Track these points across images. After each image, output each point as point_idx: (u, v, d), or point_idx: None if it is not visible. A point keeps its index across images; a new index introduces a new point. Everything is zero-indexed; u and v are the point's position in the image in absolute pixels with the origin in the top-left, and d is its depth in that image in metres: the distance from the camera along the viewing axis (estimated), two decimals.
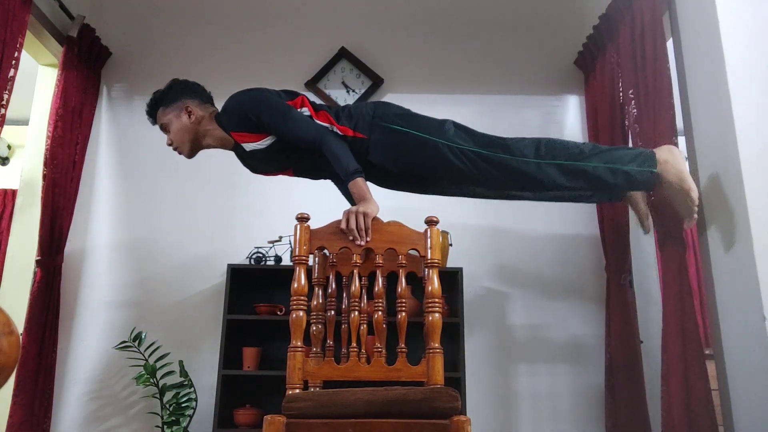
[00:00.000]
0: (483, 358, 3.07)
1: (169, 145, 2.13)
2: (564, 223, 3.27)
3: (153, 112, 2.14)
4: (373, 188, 1.95)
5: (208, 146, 2.15)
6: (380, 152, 2.02)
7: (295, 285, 1.71)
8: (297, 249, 1.74)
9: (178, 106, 2.10)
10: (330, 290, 1.95)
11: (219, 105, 2.11)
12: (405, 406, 1.45)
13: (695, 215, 2.07)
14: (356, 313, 1.84)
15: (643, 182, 2.03)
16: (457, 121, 2.05)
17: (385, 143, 2.01)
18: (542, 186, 2.01)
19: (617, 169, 1.97)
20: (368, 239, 1.79)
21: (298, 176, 2.19)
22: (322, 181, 2.27)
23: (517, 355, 3.09)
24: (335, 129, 1.99)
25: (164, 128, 2.13)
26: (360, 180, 1.86)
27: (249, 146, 2.04)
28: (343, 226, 1.78)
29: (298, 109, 2.02)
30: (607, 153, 2.00)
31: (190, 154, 2.15)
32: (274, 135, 2.01)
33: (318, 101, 2.35)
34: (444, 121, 2.04)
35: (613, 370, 2.76)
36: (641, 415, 2.63)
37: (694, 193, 2.02)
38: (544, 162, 1.97)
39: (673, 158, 2.02)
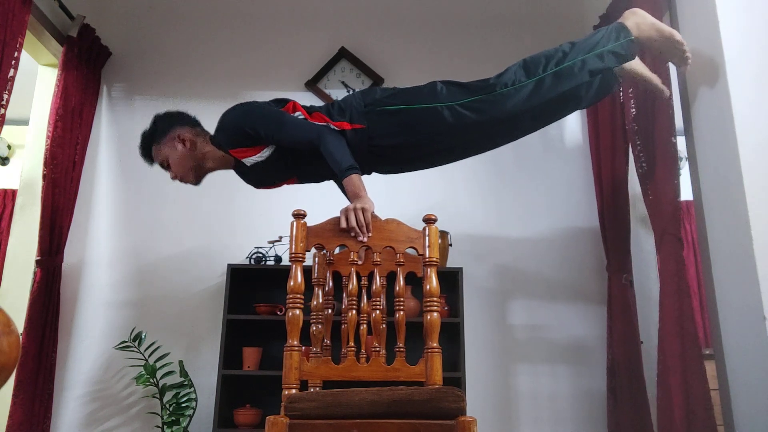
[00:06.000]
0: (483, 358, 3.07)
1: (174, 178, 2.08)
2: (565, 222, 3.26)
3: (147, 153, 2.09)
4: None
5: (211, 170, 2.12)
6: (383, 136, 2.01)
7: (292, 283, 1.69)
8: (294, 246, 1.73)
9: (170, 137, 2.06)
10: (327, 289, 1.94)
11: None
12: (410, 406, 1.44)
13: (688, 54, 2.12)
14: (354, 312, 1.84)
15: (628, 54, 2.08)
16: (443, 80, 2.06)
17: (385, 126, 2.00)
18: (545, 101, 2.02)
19: (602, 53, 2.03)
20: (370, 235, 1.79)
21: (303, 182, 2.18)
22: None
23: (517, 356, 3.08)
24: (332, 126, 1.99)
25: (164, 165, 2.08)
26: (355, 176, 1.85)
27: (249, 160, 2.04)
28: (343, 224, 1.77)
29: (292, 114, 2.02)
30: (585, 43, 2.05)
31: (197, 181, 2.11)
32: (272, 143, 2.00)
33: (310, 103, 2.35)
34: (433, 84, 2.04)
35: (615, 371, 2.75)
36: (643, 417, 2.62)
37: (677, 35, 2.10)
38: (539, 77, 2.01)
39: (640, 17, 2.10)
